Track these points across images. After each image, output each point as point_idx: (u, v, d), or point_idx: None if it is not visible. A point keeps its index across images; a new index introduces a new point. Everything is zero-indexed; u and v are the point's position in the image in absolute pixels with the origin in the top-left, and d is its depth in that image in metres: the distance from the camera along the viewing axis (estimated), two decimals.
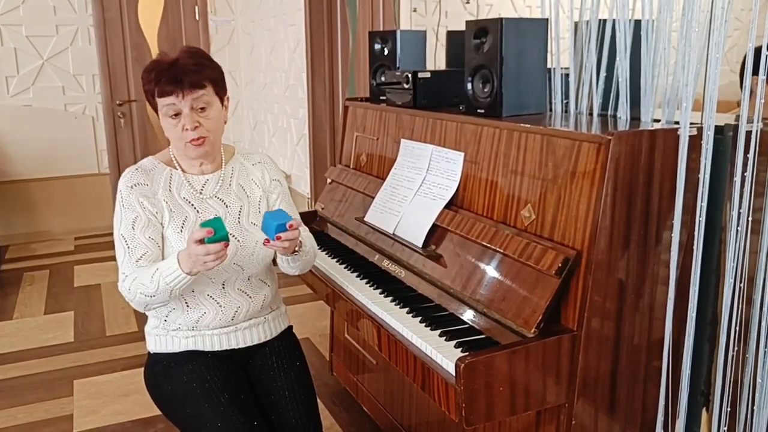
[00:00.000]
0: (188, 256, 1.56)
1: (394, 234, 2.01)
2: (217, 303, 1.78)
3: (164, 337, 1.81)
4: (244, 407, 1.68)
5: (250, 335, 1.85)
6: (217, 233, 1.52)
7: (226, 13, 5.60)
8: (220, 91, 1.74)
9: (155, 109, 1.72)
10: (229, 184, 1.83)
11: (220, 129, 1.77)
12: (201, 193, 1.78)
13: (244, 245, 1.77)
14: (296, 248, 1.72)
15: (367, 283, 1.98)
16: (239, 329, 1.82)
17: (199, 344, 1.79)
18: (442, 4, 3.40)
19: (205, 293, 1.77)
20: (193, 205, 1.77)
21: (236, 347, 1.83)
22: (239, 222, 1.80)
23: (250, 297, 1.82)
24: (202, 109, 1.69)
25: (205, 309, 1.77)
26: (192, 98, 1.66)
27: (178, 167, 1.79)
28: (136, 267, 1.68)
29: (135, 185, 1.73)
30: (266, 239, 1.62)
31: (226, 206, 1.80)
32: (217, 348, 1.80)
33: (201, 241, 1.52)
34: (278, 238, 1.61)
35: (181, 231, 1.73)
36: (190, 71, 1.66)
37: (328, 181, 2.60)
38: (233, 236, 1.76)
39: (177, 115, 1.68)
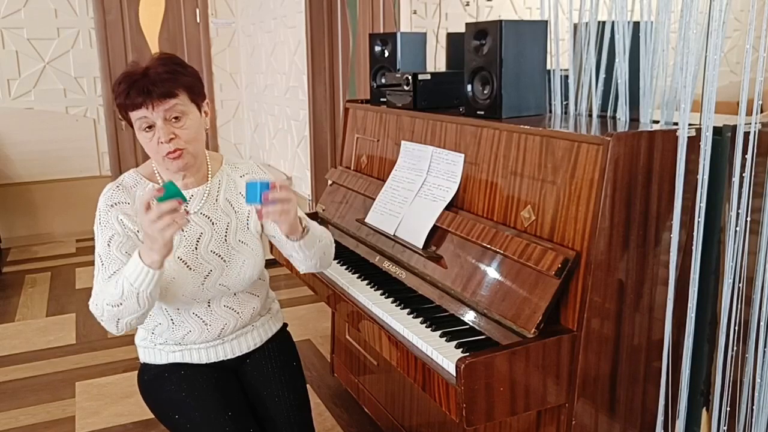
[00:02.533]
0: (145, 238, 1.44)
1: (394, 235, 2.02)
2: (203, 321, 1.72)
3: (152, 349, 1.78)
4: (235, 414, 1.67)
5: (239, 345, 1.81)
6: (167, 192, 1.38)
7: (226, 15, 5.61)
8: (197, 97, 1.63)
9: (131, 125, 1.60)
10: (216, 199, 1.72)
11: (201, 138, 1.65)
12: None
13: (230, 265, 1.71)
14: (302, 229, 1.62)
15: (368, 284, 1.98)
16: (226, 341, 1.78)
17: (186, 358, 1.76)
18: (442, 6, 3.41)
19: (191, 311, 1.71)
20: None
21: (225, 358, 1.79)
22: (226, 240, 1.71)
23: (238, 312, 1.77)
24: (176, 118, 1.57)
25: (190, 327, 1.72)
26: (164, 109, 1.55)
27: (160, 181, 1.68)
28: (107, 281, 1.57)
29: (115, 204, 1.62)
30: (258, 209, 1.50)
31: (212, 223, 1.70)
32: (204, 361, 1.76)
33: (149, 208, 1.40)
34: (266, 200, 1.48)
35: None
36: (159, 81, 1.55)
37: (329, 182, 2.60)
38: (218, 255, 1.69)
39: (151, 127, 1.57)
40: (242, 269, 1.72)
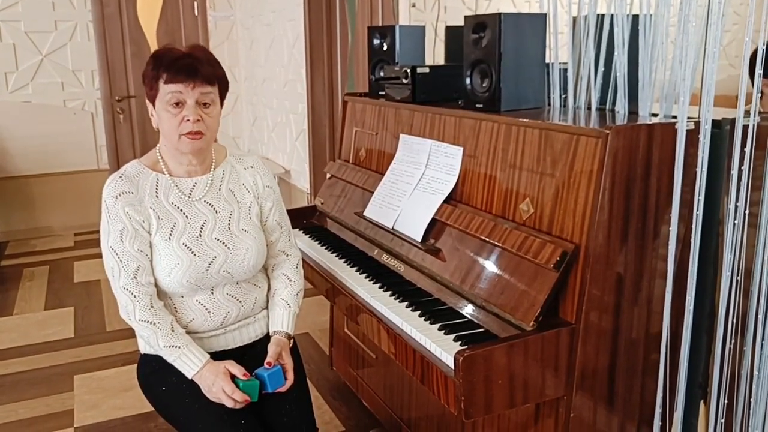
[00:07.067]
0: (213, 376, 1.64)
1: (393, 228, 2.02)
2: (206, 309, 1.74)
3: None
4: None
5: (240, 336, 1.82)
6: (251, 386, 1.65)
7: (225, 9, 5.59)
8: (223, 94, 1.73)
9: (152, 98, 1.67)
10: (219, 189, 1.77)
11: (216, 131, 1.73)
12: (189, 196, 1.73)
13: (234, 252, 1.73)
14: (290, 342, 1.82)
15: (366, 277, 1.98)
16: (228, 330, 1.79)
17: None
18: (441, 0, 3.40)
19: (194, 299, 1.73)
20: (181, 210, 1.71)
21: (227, 348, 1.80)
22: (229, 228, 1.75)
23: (241, 301, 1.79)
24: (206, 105, 1.66)
25: (193, 315, 1.74)
26: (201, 92, 1.64)
27: (164, 170, 1.73)
28: (136, 284, 1.65)
29: (120, 194, 1.66)
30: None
31: (216, 211, 1.74)
32: (206, 350, 1.75)
33: (232, 375, 1.64)
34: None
35: (170, 238, 1.68)
36: (206, 64, 1.65)
37: (328, 176, 2.60)
38: (222, 243, 1.73)
39: (179, 104, 1.64)
40: (246, 256, 1.75)
